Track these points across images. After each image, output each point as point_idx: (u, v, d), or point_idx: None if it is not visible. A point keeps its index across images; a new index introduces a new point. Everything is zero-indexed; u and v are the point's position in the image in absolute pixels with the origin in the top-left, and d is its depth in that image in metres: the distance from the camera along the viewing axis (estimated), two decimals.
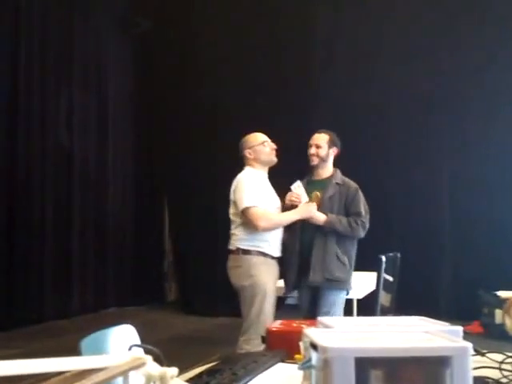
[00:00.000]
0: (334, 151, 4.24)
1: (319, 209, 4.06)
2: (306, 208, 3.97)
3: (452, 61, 7.35)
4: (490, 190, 7.13)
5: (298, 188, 4.10)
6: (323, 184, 4.23)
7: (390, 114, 7.47)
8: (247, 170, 4.05)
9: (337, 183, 4.22)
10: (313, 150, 4.19)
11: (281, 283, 4.17)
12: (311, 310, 4.04)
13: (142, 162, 9.31)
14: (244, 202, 3.89)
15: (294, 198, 4.05)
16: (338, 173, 4.28)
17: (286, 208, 4.10)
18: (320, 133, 4.27)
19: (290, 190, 4.29)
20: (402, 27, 7.44)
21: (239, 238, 3.99)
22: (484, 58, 7.20)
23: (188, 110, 8.34)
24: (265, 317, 3.79)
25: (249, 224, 3.92)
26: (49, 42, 7.68)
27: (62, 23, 7.90)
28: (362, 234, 4.10)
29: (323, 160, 4.21)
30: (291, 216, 3.99)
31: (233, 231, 4.09)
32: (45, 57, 7.60)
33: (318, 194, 4.14)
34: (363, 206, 4.15)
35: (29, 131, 7.36)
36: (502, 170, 7.14)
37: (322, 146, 4.20)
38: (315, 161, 4.21)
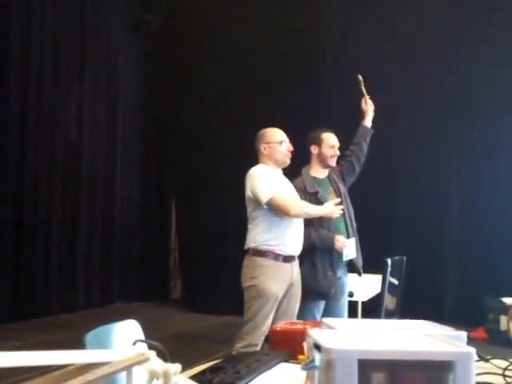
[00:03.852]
0: None
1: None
2: (332, 208, 3.88)
3: (463, 62, 7.30)
4: (499, 194, 7.08)
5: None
6: (326, 183, 4.25)
7: (397, 116, 7.44)
8: (260, 166, 3.90)
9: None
10: (337, 152, 4.20)
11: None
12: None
13: (151, 160, 9.32)
14: (266, 193, 3.70)
15: (339, 244, 4.04)
16: None
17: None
18: (332, 133, 4.26)
19: None
20: (412, 28, 7.39)
21: (252, 237, 3.79)
22: (495, 59, 7.15)
23: (199, 108, 8.33)
24: (259, 321, 3.66)
25: (279, 211, 3.71)
26: (60, 39, 7.67)
27: (73, 21, 7.89)
28: None
29: None
30: (318, 211, 3.87)
31: (248, 229, 3.87)
32: (56, 55, 7.60)
33: None
34: None
35: (39, 129, 7.38)
36: (511, 177, 7.09)
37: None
38: (335, 162, 4.23)
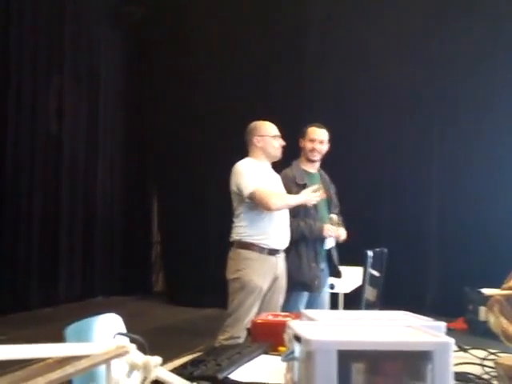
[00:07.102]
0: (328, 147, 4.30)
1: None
2: (310, 195, 3.88)
3: (445, 57, 7.34)
4: (478, 187, 7.15)
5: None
6: (317, 178, 4.29)
7: (380, 111, 7.47)
8: (247, 159, 3.91)
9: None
10: (318, 146, 4.19)
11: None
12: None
13: (132, 152, 9.26)
14: (248, 186, 3.71)
15: (329, 232, 4.07)
16: None
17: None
18: (321, 128, 4.25)
19: None
20: (397, 22, 7.42)
21: (237, 230, 3.82)
22: (477, 54, 7.20)
23: (182, 102, 8.28)
24: (242, 314, 3.70)
25: (260, 206, 3.71)
26: (39, 30, 7.58)
27: (52, 11, 7.79)
28: None
29: (322, 155, 4.26)
30: (297, 199, 3.86)
31: (234, 223, 3.89)
32: (35, 46, 7.50)
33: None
34: None
35: (18, 121, 7.29)
36: (490, 169, 7.15)
37: (325, 142, 4.24)
38: (317, 156, 4.23)
